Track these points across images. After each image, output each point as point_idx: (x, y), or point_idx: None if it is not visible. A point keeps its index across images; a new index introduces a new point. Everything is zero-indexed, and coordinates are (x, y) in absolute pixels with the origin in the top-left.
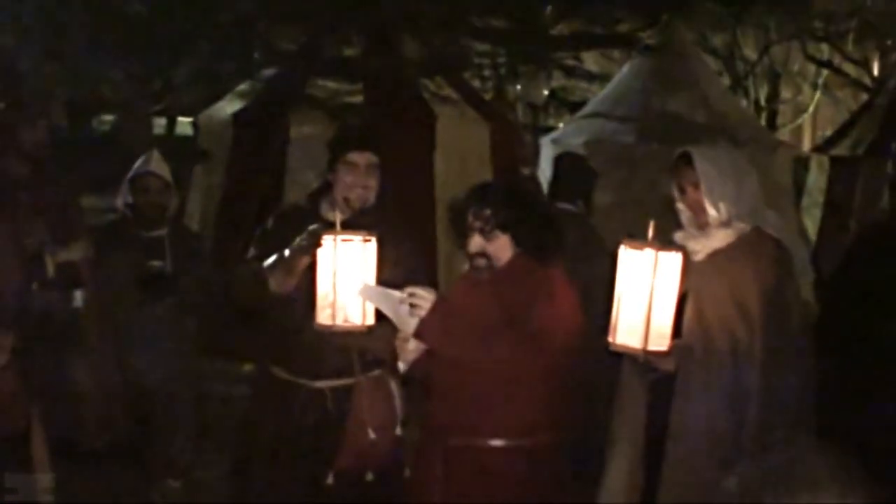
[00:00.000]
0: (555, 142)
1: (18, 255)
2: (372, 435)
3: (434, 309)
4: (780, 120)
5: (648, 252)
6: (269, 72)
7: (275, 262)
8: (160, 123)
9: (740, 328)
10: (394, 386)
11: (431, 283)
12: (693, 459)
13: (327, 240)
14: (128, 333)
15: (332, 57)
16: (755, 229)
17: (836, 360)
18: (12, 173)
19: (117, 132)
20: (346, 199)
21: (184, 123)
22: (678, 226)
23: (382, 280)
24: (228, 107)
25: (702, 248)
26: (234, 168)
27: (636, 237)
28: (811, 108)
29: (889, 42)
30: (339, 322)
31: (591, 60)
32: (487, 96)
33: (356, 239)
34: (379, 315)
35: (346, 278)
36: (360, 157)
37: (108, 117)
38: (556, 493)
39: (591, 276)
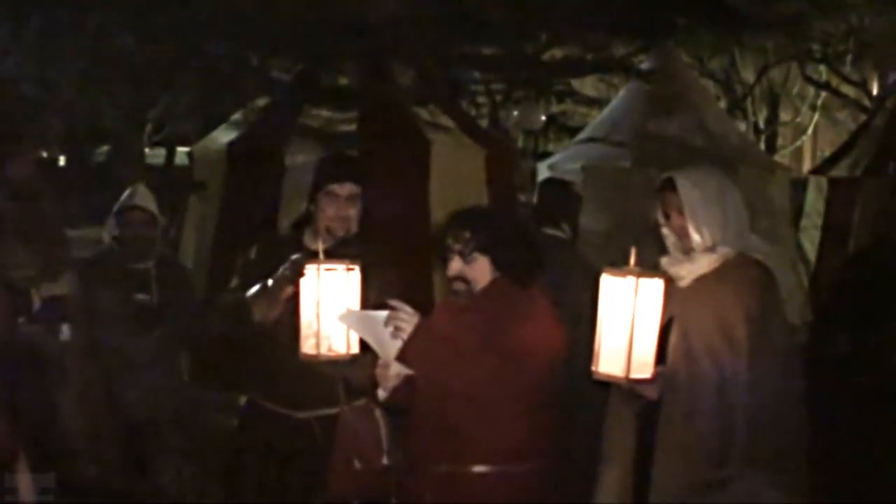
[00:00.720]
0: (551, 167)
1: (4, 289)
2: (357, 464)
3: (417, 331)
4: (779, 142)
5: (630, 279)
6: (262, 101)
7: (258, 291)
8: (160, 153)
9: (725, 353)
10: (379, 415)
11: (425, 311)
12: (679, 485)
13: (310, 269)
14: (115, 366)
15: (327, 86)
16: (740, 254)
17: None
18: None
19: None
20: (328, 229)
21: (182, 153)
22: (664, 251)
23: (367, 308)
24: (223, 136)
25: (687, 273)
26: (228, 198)
27: (618, 264)
28: (810, 130)
29: (887, 62)
30: (324, 351)
31: (589, 85)
32: (483, 123)
33: (339, 268)
34: (363, 345)
35: (330, 307)
36: (341, 189)
37: (105, 148)
38: None
39: (580, 302)
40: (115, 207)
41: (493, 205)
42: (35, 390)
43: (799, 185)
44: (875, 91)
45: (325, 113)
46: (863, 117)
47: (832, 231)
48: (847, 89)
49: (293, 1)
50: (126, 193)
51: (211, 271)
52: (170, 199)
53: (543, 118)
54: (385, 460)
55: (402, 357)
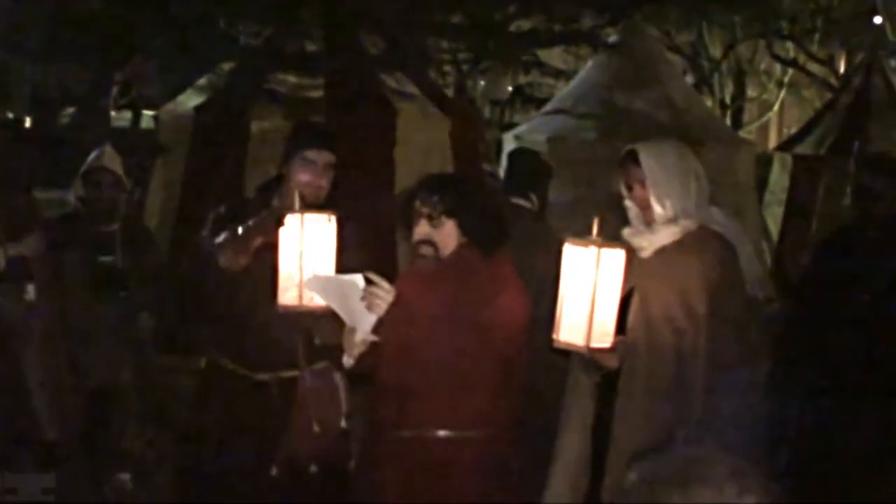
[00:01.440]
0: (517, 138)
1: None
2: (316, 427)
3: (393, 307)
4: (746, 118)
5: (591, 249)
6: (229, 66)
7: (226, 238)
8: (126, 117)
9: (685, 324)
10: (339, 378)
11: (389, 278)
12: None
13: (293, 218)
14: (79, 327)
15: (293, 52)
16: (701, 226)
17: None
18: None
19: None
20: (300, 195)
21: (148, 117)
22: (626, 222)
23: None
24: (190, 101)
25: (648, 244)
26: (193, 162)
27: (581, 235)
28: (776, 107)
29: (854, 41)
30: (305, 303)
31: (557, 57)
32: (449, 92)
33: (322, 218)
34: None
35: (313, 258)
36: (318, 155)
37: (71, 110)
38: (504, 485)
39: (544, 272)
40: (82, 168)
41: (459, 173)
42: None
43: (764, 161)
44: (842, 70)
45: (291, 79)
46: (829, 95)
47: (795, 207)
48: (814, 67)
49: None
50: (93, 155)
51: (175, 234)
52: (135, 161)
53: (510, 88)
54: (343, 424)
55: (376, 332)
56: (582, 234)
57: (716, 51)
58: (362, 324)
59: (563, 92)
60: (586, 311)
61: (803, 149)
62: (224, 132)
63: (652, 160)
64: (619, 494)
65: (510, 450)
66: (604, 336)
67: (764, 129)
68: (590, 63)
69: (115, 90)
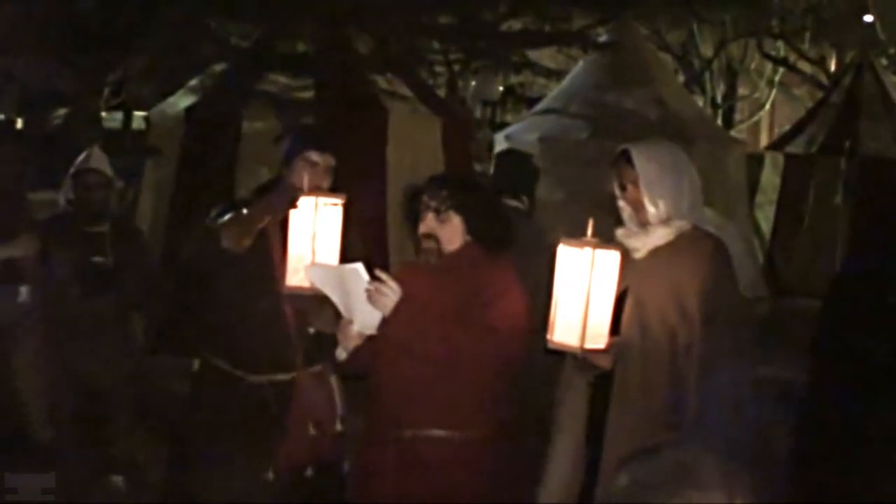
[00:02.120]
0: (508, 138)
1: None
2: (312, 430)
3: (399, 307)
4: (737, 117)
5: (586, 250)
6: (220, 67)
7: (231, 218)
8: (117, 117)
9: (678, 325)
10: (334, 381)
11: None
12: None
13: (307, 201)
14: (70, 328)
15: (284, 52)
16: (695, 227)
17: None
18: None
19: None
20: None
21: (139, 118)
22: (620, 223)
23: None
24: (181, 102)
25: (642, 245)
26: (185, 163)
27: (576, 235)
28: (768, 106)
29: (845, 40)
30: (313, 285)
31: (548, 57)
32: (440, 92)
33: (337, 202)
34: None
35: (325, 241)
36: (321, 157)
37: (62, 111)
38: (499, 484)
39: (536, 274)
40: (71, 170)
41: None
42: None
43: (755, 161)
44: (833, 68)
45: (282, 80)
46: (820, 94)
47: (787, 206)
48: (805, 66)
49: None
50: (81, 156)
51: (167, 235)
52: (126, 163)
53: (501, 89)
54: (339, 426)
55: (385, 329)
56: (573, 234)
57: (707, 50)
58: (360, 317)
59: (554, 92)
60: (580, 311)
61: (794, 148)
62: (215, 133)
63: (645, 160)
64: (610, 497)
65: (505, 451)
66: (598, 337)
67: (755, 128)
68: (581, 63)
69: (106, 91)
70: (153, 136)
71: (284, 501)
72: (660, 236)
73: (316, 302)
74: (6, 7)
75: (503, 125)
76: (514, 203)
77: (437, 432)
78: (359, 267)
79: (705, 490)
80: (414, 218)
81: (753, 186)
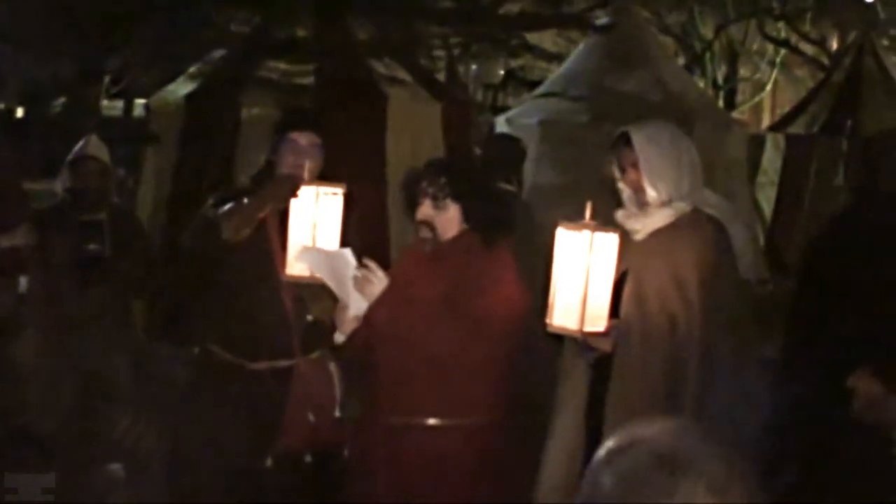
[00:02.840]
0: (509, 122)
1: None
2: (311, 417)
3: (385, 294)
4: (738, 98)
5: (585, 233)
6: (219, 53)
7: (232, 207)
8: (118, 105)
9: (679, 307)
10: (333, 368)
11: (382, 263)
12: None
13: (308, 190)
14: (69, 317)
15: (283, 38)
16: (695, 209)
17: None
18: None
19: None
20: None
21: (140, 105)
22: (620, 205)
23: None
24: (181, 89)
25: (642, 227)
26: (185, 150)
27: (574, 218)
28: (769, 87)
29: (846, 21)
30: (313, 273)
31: (548, 40)
32: (439, 76)
33: (337, 191)
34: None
35: (326, 230)
36: (302, 137)
37: (62, 100)
38: (496, 473)
39: (530, 255)
40: (68, 158)
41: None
42: None
43: (757, 142)
44: (834, 49)
45: (281, 65)
46: (821, 75)
47: (788, 187)
48: (806, 47)
49: None
50: (79, 144)
51: (167, 222)
52: (126, 150)
53: (502, 72)
54: (338, 413)
55: (368, 317)
56: (573, 217)
57: (707, 31)
58: (354, 301)
59: (554, 75)
60: (580, 295)
61: (796, 128)
62: (215, 120)
63: (645, 142)
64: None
65: (501, 439)
66: (597, 320)
67: (757, 109)
68: (581, 46)
69: (106, 79)
70: (154, 124)
71: (283, 487)
72: (660, 218)
73: (314, 290)
74: None
75: (504, 109)
76: (507, 187)
77: (428, 420)
78: (346, 252)
79: (698, 478)
80: (412, 204)
81: (755, 167)
